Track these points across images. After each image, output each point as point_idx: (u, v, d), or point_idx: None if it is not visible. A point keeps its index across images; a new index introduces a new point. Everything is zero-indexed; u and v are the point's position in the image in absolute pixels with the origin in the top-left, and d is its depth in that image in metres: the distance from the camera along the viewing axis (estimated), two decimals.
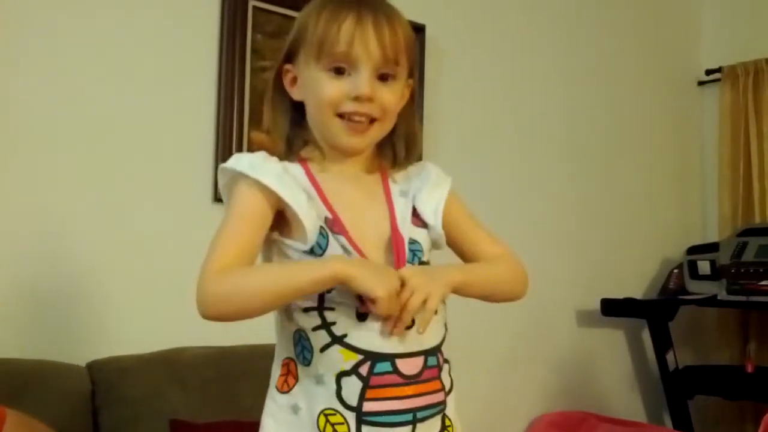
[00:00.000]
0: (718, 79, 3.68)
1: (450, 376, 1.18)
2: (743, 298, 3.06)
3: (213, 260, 1.07)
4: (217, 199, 2.25)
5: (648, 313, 3.27)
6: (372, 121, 1.14)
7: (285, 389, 1.12)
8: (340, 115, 1.13)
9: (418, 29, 2.55)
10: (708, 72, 3.72)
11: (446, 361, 1.17)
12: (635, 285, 3.40)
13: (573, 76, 3.26)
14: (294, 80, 1.18)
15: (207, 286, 1.05)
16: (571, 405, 3.06)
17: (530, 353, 3.00)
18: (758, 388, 3.08)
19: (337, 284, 1.05)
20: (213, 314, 1.05)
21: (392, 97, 1.15)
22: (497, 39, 2.98)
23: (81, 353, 1.91)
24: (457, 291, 1.15)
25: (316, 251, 1.10)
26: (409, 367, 1.10)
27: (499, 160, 2.95)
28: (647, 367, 3.42)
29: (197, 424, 1.84)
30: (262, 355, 2.06)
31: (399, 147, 1.22)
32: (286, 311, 1.12)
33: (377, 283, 1.03)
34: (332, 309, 1.09)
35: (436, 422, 1.14)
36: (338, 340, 1.08)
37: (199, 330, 2.10)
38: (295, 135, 1.19)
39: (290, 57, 1.18)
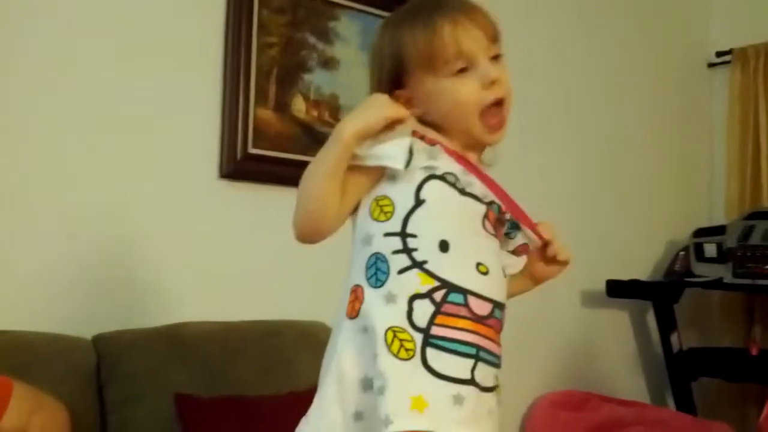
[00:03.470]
0: (729, 62, 3.65)
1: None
2: (749, 282, 3.06)
3: None
4: (223, 175, 2.25)
5: (653, 295, 3.26)
6: (500, 102, 1.21)
7: (353, 315, 1.16)
8: (481, 113, 1.20)
9: None
10: (718, 54, 3.70)
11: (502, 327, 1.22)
12: (641, 267, 3.40)
13: (580, 58, 3.24)
14: (407, 100, 1.22)
15: (294, 222, 1.22)
16: (575, 385, 3.07)
17: (535, 333, 3.00)
18: (762, 371, 3.08)
19: (357, 142, 1.14)
20: (303, 235, 1.22)
21: (507, 75, 1.23)
22: (501, 21, 2.96)
23: (87, 327, 1.92)
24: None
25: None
26: (479, 307, 1.15)
27: (504, 142, 2.93)
28: (651, 348, 3.42)
29: (202, 398, 1.85)
30: (264, 331, 2.10)
31: None
32: (365, 237, 1.17)
33: (376, 112, 1.13)
34: (414, 236, 1.15)
35: (491, 374, 1.17)
36: (418, 264, 1.13)
37: (203, 305, 2.13)
38: None
39: (397, 82, 1.23)
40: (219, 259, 2.23)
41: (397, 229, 1.15)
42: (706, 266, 3.23)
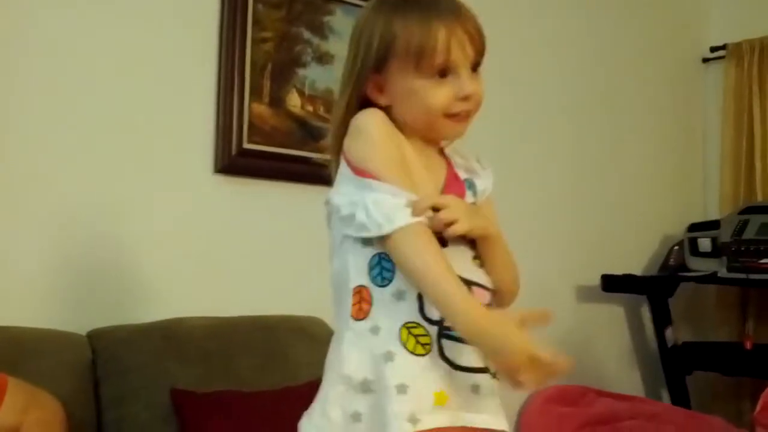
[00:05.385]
0: (723, 57, 3.65)
1: None
2: (743, 276, 3.07)
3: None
4: (218, 170, 2.25)
5: (648, 290, 3.27)
6: (467, 113, 1.24)
7: (361, 316, 1.16)
8: (446, 115, 1.21)
9: None
10: (713, 49, 3.70)
11: None
12: (635, 261, 3.40)
13: (574, 53, 3.24)
14: (378, 86, 1.22)
15: (404, 239, 1.11)
16: (570, 379, 3.07)
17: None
18: (756, 364, 3.09)
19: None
20: (390, 248, 1.12)
21: (482, 85, 1.23)
22: (495, 14, 2.95)
23: (81, 322, 1.92)
24: (483, 240, 1.21)
25: None
26: (482, 296, 1.19)
27: (499, 137, 2.93)
28: (646, 342, 3.43)
29: (197, 393, 1.85)
30: (259, 326, 2.10)
31: None
32: (363, 238, 1.15)
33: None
34: None
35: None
36: None
37: (198, 300, 2.12)
38: None
39: (377, 66, 1.21)
40: (214, 254, 2.22)
41: None
42: (701, 261, 3.24)
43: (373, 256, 1.16)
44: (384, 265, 1.15)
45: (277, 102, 2.35)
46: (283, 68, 2.36)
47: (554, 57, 3.16)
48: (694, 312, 3.57)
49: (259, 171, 2.30)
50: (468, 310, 1.09)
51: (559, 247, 3.09)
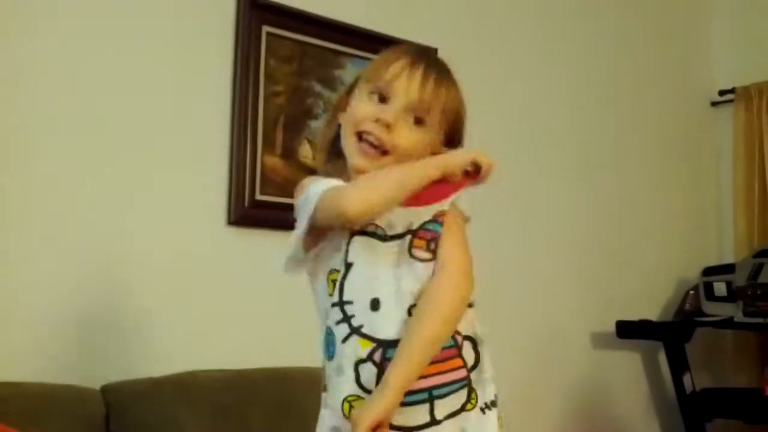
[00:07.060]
0: (732, 100, 3.67)
1: (476, 351, 1.23)
2: (760, 320, 3.04)
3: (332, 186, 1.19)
4: (231, 222, 2.26)
5: (664, 335, 3.24)
6: (384, 153, 1.23)
7: (324, 390, 1.23)
8: (358, 135, 1.23)
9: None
10: (721, 92, 3.72)
11: (468, 338, 1.23)
12: (651, 307, 3.38)
13: (586, 98, 3.26)
14: (343, 107, 1.31)
15: (347, 196, 1.16)
16: (587, 428, 3.03)
17: (545, 375, 2.98)
18: None
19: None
20: (357, 213, 1.15)
21: (412, 138, 1.23)
22: (509, 60, 2.99)
23: (95, 377, 1.91)
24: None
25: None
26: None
27: (511, 182, 2.94)
28: (664, 389, 3.39)
29: None
30: (274, 378, 2.08)
31: None
32: (323, 311, 1.23)
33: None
34: (351, 302, 1.18)
35: (459, 396, 1.19)
36: (356, 330, 1.17)
37: (212, 353, 2.12)
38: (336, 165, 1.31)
39: (349, 91, 1.31)
40: (228, 306, 2.22)
41: (337, 299, 1.19)
42: (717, 305, 3.21)
43: (326, 329, 1.21)
44: (329, 339, 1.19)
45: (289, 154, 2.37)
46: (295, 121, 2.39)
47: (564, 101, 3.18)
48: (712, 357, 3.53)
49: (272, 222, 2.31)
50: (422, 169, 1.17)
51: (573, 293, 3.08)
